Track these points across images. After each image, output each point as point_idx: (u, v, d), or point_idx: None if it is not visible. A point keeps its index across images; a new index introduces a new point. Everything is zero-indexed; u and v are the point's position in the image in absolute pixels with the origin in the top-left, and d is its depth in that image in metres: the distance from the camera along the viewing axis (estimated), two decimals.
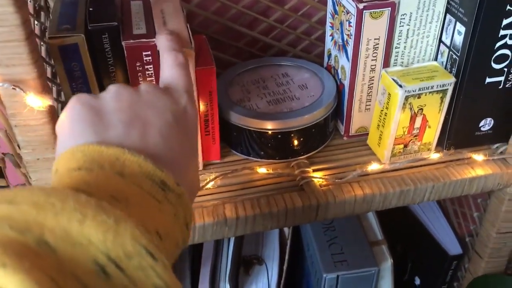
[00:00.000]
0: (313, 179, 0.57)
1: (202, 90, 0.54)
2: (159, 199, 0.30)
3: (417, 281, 0.84)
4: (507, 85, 0.56)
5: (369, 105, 0.61)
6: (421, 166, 0.59)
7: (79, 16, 0.48)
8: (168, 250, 0.30)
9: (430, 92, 0.54)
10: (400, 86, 0.53)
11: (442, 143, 0.60)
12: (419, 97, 0.54)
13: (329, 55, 0.64)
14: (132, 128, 0.32)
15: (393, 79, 0.54)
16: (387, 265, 0.70)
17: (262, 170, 0.58)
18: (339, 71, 0.62)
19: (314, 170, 0.59)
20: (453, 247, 0.75)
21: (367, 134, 0.62)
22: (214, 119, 0.56)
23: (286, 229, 0.76)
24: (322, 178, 0.57)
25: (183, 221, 0.32)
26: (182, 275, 0.70)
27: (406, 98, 0.53)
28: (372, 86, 0.59)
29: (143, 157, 0.31)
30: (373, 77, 0.59)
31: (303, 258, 0.78)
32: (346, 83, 0.60)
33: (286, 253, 0.71)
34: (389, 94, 0.55)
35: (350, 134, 0.63)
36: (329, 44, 0.64)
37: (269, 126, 0.57)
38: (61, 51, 0.45)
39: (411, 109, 0.55)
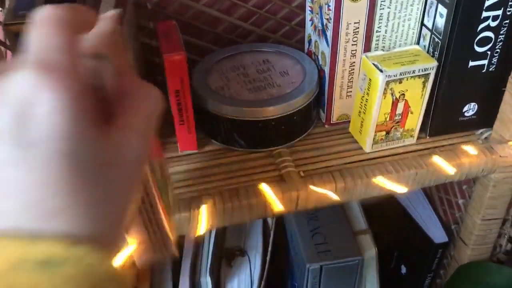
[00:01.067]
0: (294, 168, 0.55)
1: (173, 78, 0.52)
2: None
3: (403, 270, 0.83)
4: (490, 69, 0.55)
5: (351, 91, 0.59)
6: (404, 153, 0.58)
7: (37, 2, 0.46)
8: None
9: (411, 77, 0.52)
10: (381, 71, 0.52)
11: (426, 129, 0.59)
12: (400, 82, 0.52)
13: (310, 41, 0.63)
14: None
15: (373, 63, 0.52)
16: (372, 254, 0.69)
17: (241, 159, 0.57)
18: (319, 57, 0.60)
19: (295, 160, 0.57)
20: (438, 235, 0.74)
21: (349, 121, 0.61)
22: (188, 108, 0.54)
23: (269, 220, 0.75)
24: (303, 168, 0.56)
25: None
26: (162, 268, 0.68)
27: (387, 83, 0.52)
28: (353, 72, 0.58)
29: (5, 240, 0.22)
30: (354, 62, 0.57)
31: (287, 249, 0.77)
32: (327, 69, 0.58)
33: (269, 244, 0.70)
34: (370, 80, 0.53)
35: (331, 122, 0.62)
36: (309, 29, 0.62)
37: (249, 114, 0.56)
38: (19, 38, 0.43)
39: (392, 94, 0.53)
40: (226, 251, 0.71)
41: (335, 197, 0.54)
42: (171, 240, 0.40)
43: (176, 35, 0.53)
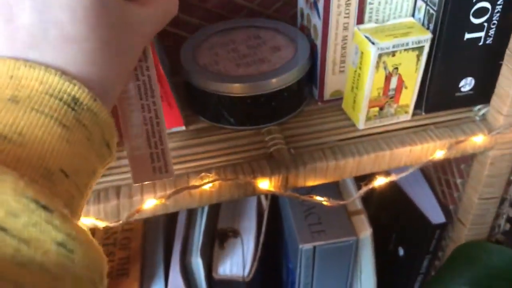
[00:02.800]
0: (284, 146, 0.54)
1: None
2: (67, 123, 0.25)
3: (401, 251, 0.82)
4: (487, 42, 0.53)
5: (343, 67, 0.58)
6: (398, 130, 0.56)
7: None
8: (79, 185, 0.26)
9: (405, 50, 0.51)
10: (373, 43, 0.50)
11: (420, 105, 0.57)
12: (393, 55, 0.51)
13: (302, 15, 0.61)
14: (37, 29, 0.25)
15: (365, 36, 0.51)
16: (367, 234, 0.67)
17: (230, 137, 0.55)
18: (311, 31, 0.58)
19: (285, 137, 0.56)
20: (436, 215, 0.72)
21: (343, 98, 0.59)
22: (162, 81, 0.50)
23: (264, 201, 0.73)
24: (293, 145, 0.54)
25: (100, 142, 0.27)
26: (155, 248, 0.67)
27: (380, 56, 0.50)
28: (345, 47, 0.56)
29: (43, 69, 0.25)
30: (347, 36, 0.55)
31: (281, 230, 0.75)
32: (318, 43, 0.56)
33: (263, 225, 0.69)
34: (362, 53, 0.51)
35: (324, 99, 0.60)
36: (301, 2, 0.60)
37: (238, 89, 0.54)
38: None
39: (385, 68, 0.51)
40: (219, 232, 0.70)
41: (326, 174, 0.53)
42: (170, 157, 0.39)
43: None
